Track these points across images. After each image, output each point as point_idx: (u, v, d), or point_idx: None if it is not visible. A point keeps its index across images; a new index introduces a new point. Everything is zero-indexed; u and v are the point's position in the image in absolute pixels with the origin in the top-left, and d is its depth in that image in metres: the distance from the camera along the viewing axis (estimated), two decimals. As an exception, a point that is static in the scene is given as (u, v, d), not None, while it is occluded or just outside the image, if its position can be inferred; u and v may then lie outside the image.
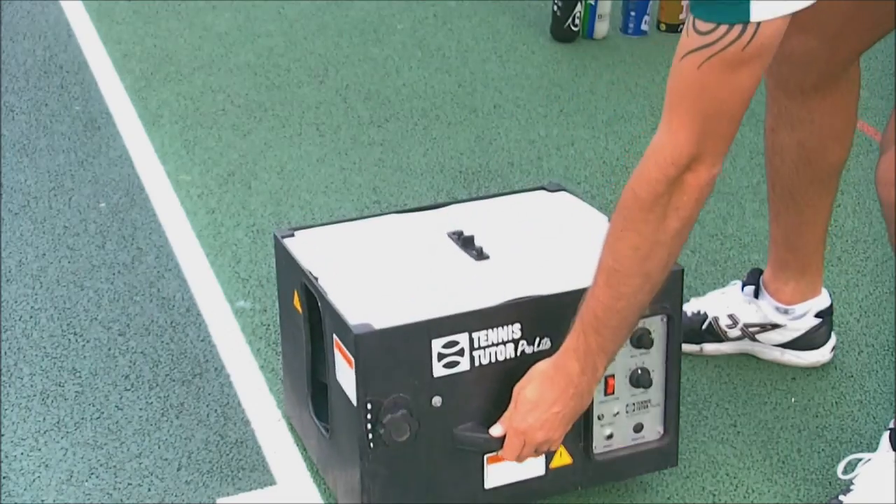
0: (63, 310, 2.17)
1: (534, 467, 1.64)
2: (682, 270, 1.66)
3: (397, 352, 1.52)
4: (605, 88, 3.08)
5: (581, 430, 1.66)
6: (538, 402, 1.53)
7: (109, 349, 2.07)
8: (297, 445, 1.86)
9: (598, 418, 1.66)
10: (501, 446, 1.57)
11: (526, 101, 3.00)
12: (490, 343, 1.57)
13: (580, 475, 1.69)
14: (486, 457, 1.61)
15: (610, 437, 1.69)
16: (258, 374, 2.02)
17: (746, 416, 1.96)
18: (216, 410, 1.94)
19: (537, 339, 1.59)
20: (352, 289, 1.62)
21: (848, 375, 2.06)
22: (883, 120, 2.82)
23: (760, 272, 2.06)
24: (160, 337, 2.11)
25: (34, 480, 1.78)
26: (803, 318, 2.02)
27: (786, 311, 2.02)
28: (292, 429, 1.89)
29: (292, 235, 1.76)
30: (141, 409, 1.94)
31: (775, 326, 2.04)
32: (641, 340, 1.64)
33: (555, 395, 1.53)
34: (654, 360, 1.67)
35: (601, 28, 3.36)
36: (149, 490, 1.78)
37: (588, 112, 2.95)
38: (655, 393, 1.69)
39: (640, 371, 1.66)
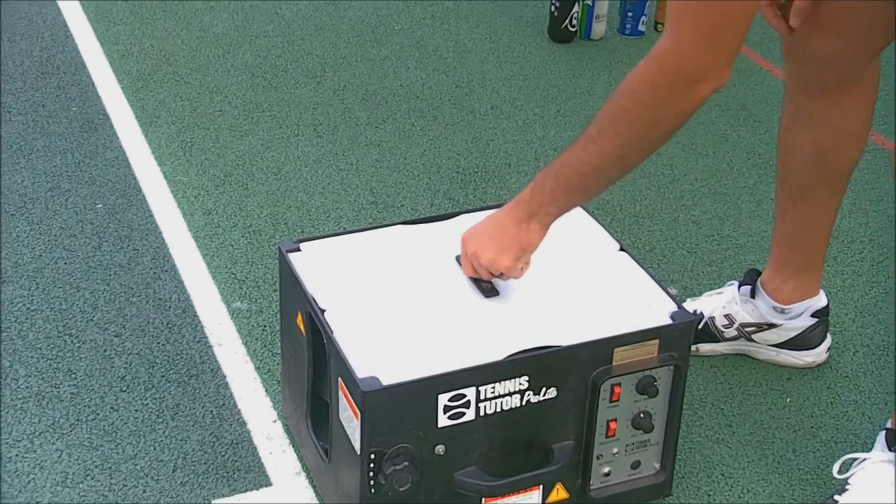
0: (59, 311, 2.17)
1: (530, 503, 1.64)
2: (694, 322, 1.65)
3: (403, 406, 1.51)
4: (602, 89, 3.07)
5: (580, 468, 1.66)
6: (483, 231, 1.64)
7: (105, 350, 2.07)
8: (293, 447, 1.86)
9: (598, 458, 1.67)
10: (500, 491, 1.61)
11: (523, 101, 3.00)
12: (496, 395, 1.56)
13: None
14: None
15: (608, 474, 1.69)
16: (254, 376, 2.02)
17: (742, 416, 1.96)
18: (212, 412, 1.94)
19: (543, 389, 1.59)
20: (359, 331, 1.60)
21: (843, 375, 2.06)
22: (882, 120, 2.82)
23: (757, 272, 2.06)
24: (156, 338, 2.11)
25: (29, 482, 1.78)
26: (800, 317, 2.03)
27: (783, 311, 2.02)
28: (288, 430, 1.89)
29: (298, 250, 1.75)
30: (137, 410, 1.94)
31: (772, 326, 2.04)
32: (647, 389, 1.64)
33: (498, 226, 1.62)
34: (657, 405, 1.67)
35: (598, 28, 3.36)
36: (144, 491, 1.77)
37: (585, 113, 2.95)
38: (656, 435, 1.70)
39: (642, 415, 1.66)
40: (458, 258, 1.72)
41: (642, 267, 1.75)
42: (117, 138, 2.75)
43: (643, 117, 1.45)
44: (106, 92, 2.95)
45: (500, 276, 1.66)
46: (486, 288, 1.68)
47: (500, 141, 2.81)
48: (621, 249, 1.79)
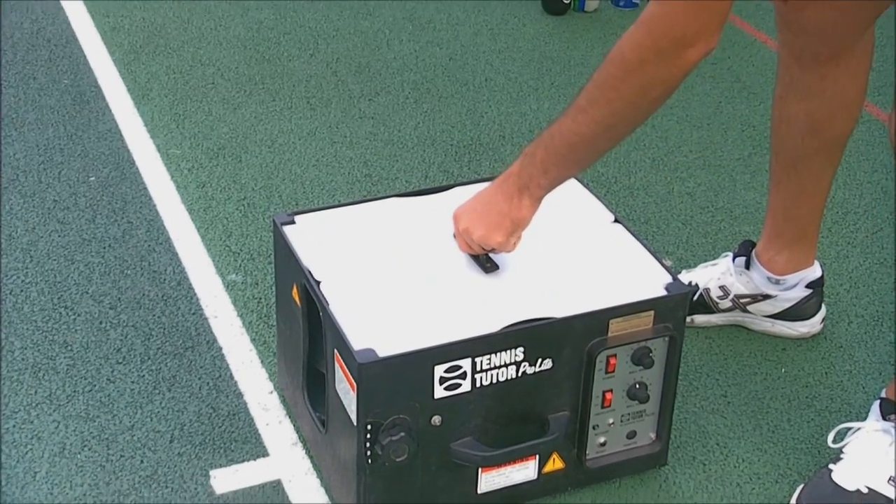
0: (54, 283, 2.16)
1: (526, 472, 1.66)
2: (689, 294, 1.65)
3: (399, 377, 1.52)
4: (596, 61, 3.04)
5: (576, 438, 1.67)
6: (473, 207, 1.63)
7: (101, 323, 2.07)
8: (290, 418, 1.87)
9: (593, 428, 1.68)
10: (496, 461, 1.62)
11: (517, 74, 2.99)
12: (492, 366, 1.56)
13: (572, 479, 1.71)
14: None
15: (603, 444, 1.70)
16: (250, 348, 2.02)
17: (737, 386, 1.97)
18: (208, 383, 1.94)
19: (539, 361, 1.59)
20: (355, 302, 1.59)
21: (838, 346, 2.07)
22: (876, 91, 2.82)
23: (752, 244, 2.07)
24: (151, 310, 2.11)
25: (27, 452, 1.79)
26: (794, 288, 2.03)
27: (777, 282, 2.03)
28: (284, 401, 1.89)
29: (292, 222, 1.75)
30: (133, 382, 1.94)
31: (766, 297, 2.04)
32: (642, 360, 1.64)
33: (488, 202, 1.61)
34: (652, 375, 1.67)
35: (592, 1, 3.34)
36: (141, 462, 1.78)
37: (579, 85, 2.90)
38: (651, 405, 1.70)
39: (637, 385, 1.67)
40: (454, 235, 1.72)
41: (637, 238, 1.75)
42: (109, 111, 2.74)
43: (633, 84, 1.44)
44: (97, 65, 2.93)
45: (492, 250, 1.66)
46: (486, 265, 1.67)
47: (495, 113, 2.80)
48: (616, 221, 1.79)
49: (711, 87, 2.94)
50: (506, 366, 1.57)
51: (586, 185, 1.86)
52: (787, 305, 2.04)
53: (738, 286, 2.05)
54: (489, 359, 1.56)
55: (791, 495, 1.72)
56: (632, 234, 1.76)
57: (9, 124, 2.67)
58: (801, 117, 1.87)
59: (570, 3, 3.32)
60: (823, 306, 2.08)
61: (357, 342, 1.52)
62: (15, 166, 2.51)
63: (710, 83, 2.96)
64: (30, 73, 2.88)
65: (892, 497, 1.69)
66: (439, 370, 1.53)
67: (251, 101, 2.81)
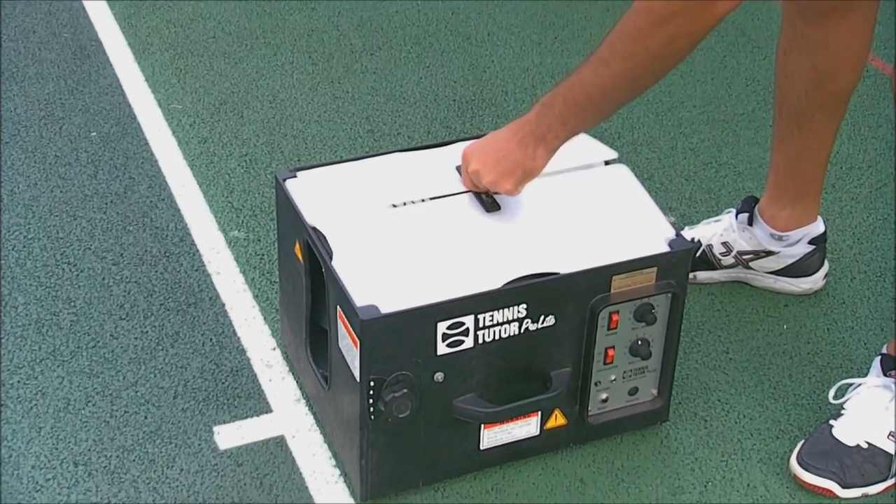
0: (56, 239, 2.16)
1: (528, 428, 1.66)
2: (692, 250, 1.65)
3: (402, 334, 1.52)
4: (599, 15, 3.04)
5: (578, 394, 1.67)
6: (487, 150, 1.62)
7: (103, 279, 2.07)
8: (293, 374, 1.87)
9: (595, 384, 1.68)
10: (499, 417, 1.63)
11: (520, 28, 2.96)
12: (495, 323, 1.56)
13: (573, 435, 1.72)
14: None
15: (605, 400, 1.71)
16: (253, 304, 2.03)
17: (739, 342, 1.98)
18: (211, 339, 1.95)
19: (542, 317, 1.59)
20: (357, 257, 1.59)
21: (840, 302, 2.07)
22: (883, 45, 2.80)
23: (755, 200, 2.06)
24: (154, 266, 2.11)
25: (32, 408, 1.80)
26: (797, 244, 2.03)
27: (780, 238, 2.03)
28: (287, 358, 1.90)
29: (294, 177, 1.74)
30: (136, 338, 1.94)
31: (769, 254, 2.04)
32: (645, 316, 1.64)
33: (503, 148, 1.60)
34: (655, 332, 1.68)
35: (596, -47, 3.31)
36: (146, 418, 1.79)
37: (583, 39, 2.92)
38: (653, 361, 1.70)
39: (639, 342, 1.67)
40: (458, 168, 1.71)
41: (640, 184, 1.74)
42: (110, 65, 2.72)
43: (659, 36, 1.42)
44: (97, 18, 2.91)
45: (497, 193, 1.66)
46: (488, 202, 1.66)
47: (497, 68, 2.79)
48: (619, 161, 1.78)
49: (716, 41, 2.92)
50: (508, 322, 1.57)
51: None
52: (790, 262, 2.04)
53: (741, 242, 2.04)
54: (492, 315, 1.56)
55: (792, 451, 1.73)
56: (636, 178, 1.75)
57: (9, 78, 2.65)
58: (804, 71, 1.86)
59: (573, -45, 3.28)
60: (826, 262, 2.08)
61: (360, 299, 1.52)
62: (16, 121, 2.50)
63: (715, 37, 2.93)
64: (29, 26, 2.86)
65: (892, 452, 1.70)
66: (442, 327, 1.53)
67: (252, 55, 2.79)
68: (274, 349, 1.93)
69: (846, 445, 1.70)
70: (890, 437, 1.71)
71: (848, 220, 2.29)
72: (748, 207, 2.05)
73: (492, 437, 1.65)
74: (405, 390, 1.54)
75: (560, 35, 2.94)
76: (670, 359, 1.71)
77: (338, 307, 1.57)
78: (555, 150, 1.59)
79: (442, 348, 1.55)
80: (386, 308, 1.50)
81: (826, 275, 2.08)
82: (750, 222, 2.04)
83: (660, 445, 1.77)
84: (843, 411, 1.74)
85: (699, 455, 1.76)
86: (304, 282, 1.70)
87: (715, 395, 1.87)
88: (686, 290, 1.67)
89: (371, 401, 1.54)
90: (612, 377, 1.69)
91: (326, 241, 1.61)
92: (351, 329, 1.53)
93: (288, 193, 1.71)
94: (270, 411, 1.81)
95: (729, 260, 2.06)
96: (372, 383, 1.53)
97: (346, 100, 2.63)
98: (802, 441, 1.74)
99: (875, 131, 2.58)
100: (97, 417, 1.78)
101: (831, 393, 1.78)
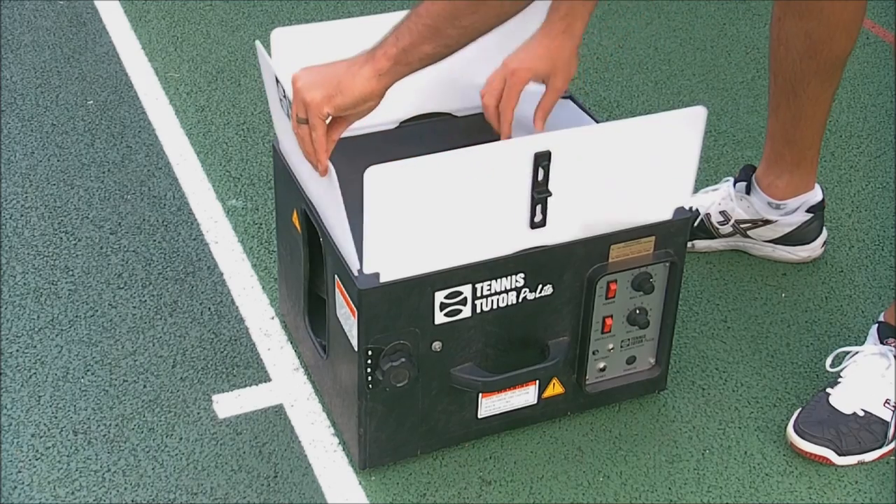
0: (54, 208, 2.16)
1: (526, 397, 1.67)
2: (690, 219, 1.64)
3: (400, 303, 1.51)
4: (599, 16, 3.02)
5: (576, 363, 1.68)
6: (319, 69, 1.49)
7: (101, 248, 2.07)
8: (291, 343, 1.88)
9: (593, 353, 1.68)
10: (497, 386, 1.62)
11: None
12: (493, 292, 1.56)
13: (571, 404, 1.72)
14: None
15: (603, 369, 1.71)
16: (251, 273, 2.03)
17: (737, 311, 1.98)
18: (210, 308, 1.95)
19: (539, 287, 1.59)
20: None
21: (838, 270, 2.08)
22: (883, 12, 2.79)
23: (753, 168, 2.06)
24: (152, 236, 2.11)
25: (31, 377, 1.80)
26: (795, 213, 2.03)
27: (777, 207, 2.02)
28: (286, 327, 1.90)
29: None
30: (134, 307, 1.94)
31: (767, 222, 2.04)
32: (643, 285, 1.64)
33: (332, 65, 1.49)
34: (653, 301, 1.68)
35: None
36: (144, 387, 1.79)
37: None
38: (651, 330, 1.71)
39: (637, 311, 1.67)
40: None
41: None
42: (107, 33, 2.71)
43: None
44: (93, -15, 2.90)
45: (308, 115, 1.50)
46: (537, 221, 1.59)
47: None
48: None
49: (716, 9, 2.90)
50: (506, 292, 1.57)
51: (587, 110, 1.84)
52: (788, 230, 2.04)
53: (739, 211, 2.04)
54: (490, 285, 1.56)
55: (789, 419, 1.74)
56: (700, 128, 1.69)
57: (5, 46, 2.64)
58: (799, 37, 1.85)
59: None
60: (825, 230, 2.07)
61: (357, 268, 1.52)
62: (12, 89, 2.49)
63: (715, 4, 2.92)
64: (25, -6, 2.85)
65: (889, 420, 1.71)
66: (440, 296, 1.53)
67: (250, 23, 2.77)
68: (272, 318, 1.93)
69: (843, 413, 1.71)
70: (886, 404, 1.71)
71: (847, 188, 2.28)
72: (746, 176, 2.04)
73: (490, 405, 1.65)
74: (403, 359, 1.54)
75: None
76: (668, 328, 1.71)
77: (335, 276, 1.57)
78: (380, 73, 1.46)
79: (440, 317, 1.55)
80: (384, 277, 1.50)
81: (824, 243, 2.08)
82: (748, 191, 2.03)
83: (657, 414, 1.78)
84: (839, 379, 1.75)
85: (696, 423, 1.77)
86: (303, 251, 1.70)
87: (712, 364, 1.87)
88: (684, 259, 1.67)
89: (369, 370, 1.54)
90: (610, 346, 1.69)
91: (321, 216, 1.61)
92: (349, 298, 1.53)
93: (286, 162, 1.71)
94: (269, 380, 1.82)
95: (727, 229, 2.06)
96: (370, 352, 1.53)
97: (344, 68, 2.62)
98: (799, 409, 1.75)
99: (875, 99, 2.57)
100: (96, 386, 1.79)
101: (828, 361, 1.79)
